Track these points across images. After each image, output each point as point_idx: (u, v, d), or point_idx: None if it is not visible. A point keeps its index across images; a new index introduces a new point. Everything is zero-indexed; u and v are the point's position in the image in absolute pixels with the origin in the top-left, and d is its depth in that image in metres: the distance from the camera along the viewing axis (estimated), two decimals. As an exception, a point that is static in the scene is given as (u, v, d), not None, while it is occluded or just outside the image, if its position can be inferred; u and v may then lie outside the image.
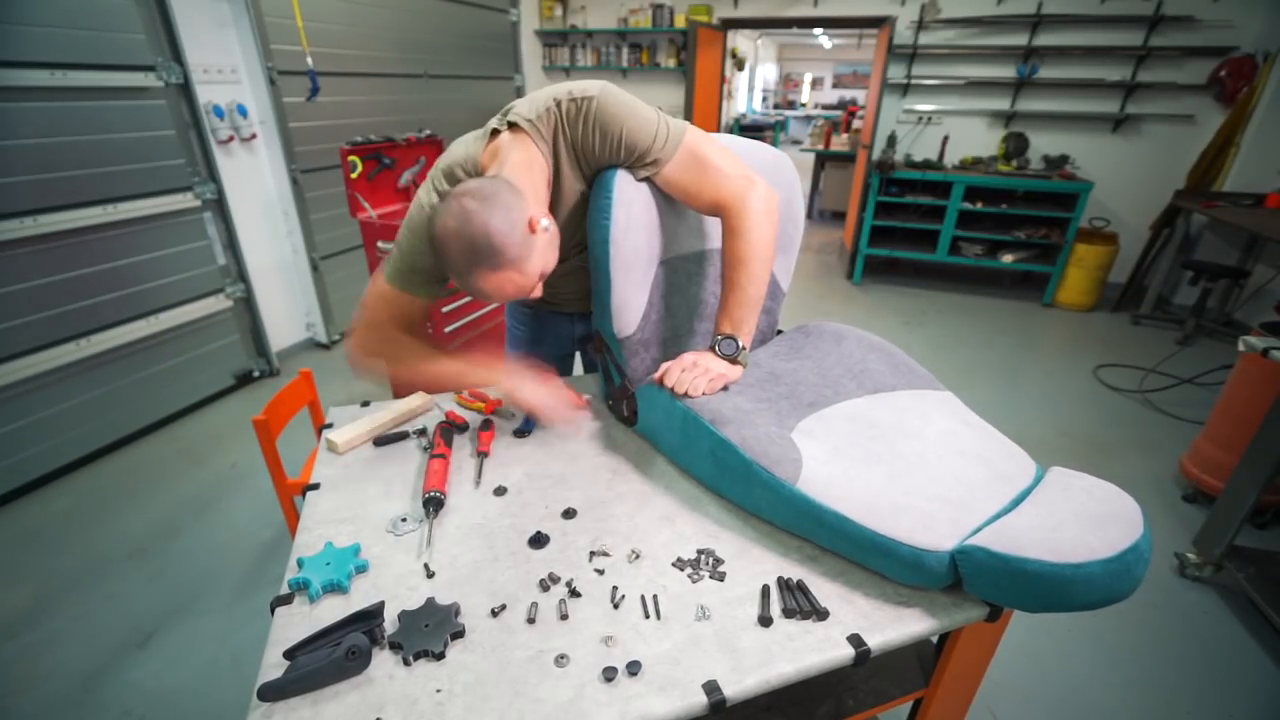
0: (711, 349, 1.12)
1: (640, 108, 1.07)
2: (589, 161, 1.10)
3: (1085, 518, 0.83)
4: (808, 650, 0.78)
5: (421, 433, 1.24)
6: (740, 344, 1.10)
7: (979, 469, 0.99)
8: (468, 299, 2.59)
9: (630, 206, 1.10)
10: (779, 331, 1.48)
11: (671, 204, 1.19)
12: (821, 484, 0.92)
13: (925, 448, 1.03)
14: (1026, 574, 0.76)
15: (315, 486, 1.09)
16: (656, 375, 1.13)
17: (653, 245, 1.18)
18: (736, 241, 1.07)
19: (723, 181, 1.07)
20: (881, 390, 1.19)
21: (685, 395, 1.07)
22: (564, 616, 0.83)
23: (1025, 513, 0.86)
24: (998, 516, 0.89)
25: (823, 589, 0.87)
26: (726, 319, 1.10)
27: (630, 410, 1.24)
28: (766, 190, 1.09)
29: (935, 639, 1.03)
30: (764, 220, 1.07)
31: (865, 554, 0.88)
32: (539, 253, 0.97)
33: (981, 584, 0.81)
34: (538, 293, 1.05)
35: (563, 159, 1.09)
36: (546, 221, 0.98)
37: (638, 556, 0.93)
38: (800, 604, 0.84)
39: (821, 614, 0.83)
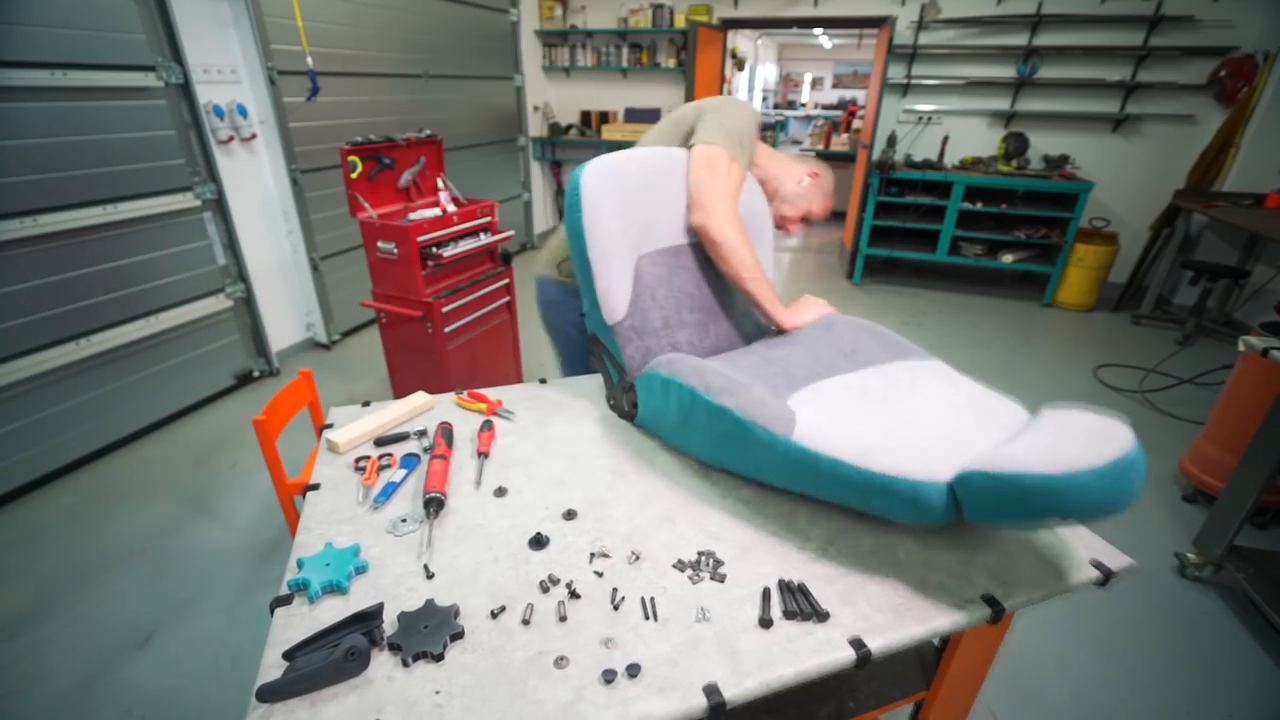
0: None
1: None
2: None
3: (1079, 437, 0.84)
4: (808, 652, 0.78)
5: (422, 433, 1.24)
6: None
7: (973, 417, 1.01)
8: (468, 300, 2.60)
9: (599, 198, 1.21)
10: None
11: (643, 200, 1.28)
12: (818, 435, 0.93)
13: (918, 405, 1.05)
14: (1023, 488, 0.77)
15: (316, 486, 1.09)
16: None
17: (628, 235, 1.26)
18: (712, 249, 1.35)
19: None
20: (873, 364, 1.21)
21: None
22: (563, 618, 0.82)
23: (1021, 440, 0.87)
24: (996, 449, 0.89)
25: (823, 591, 0.87)
26: (768, 310, 1.37)
27: (631, 404, 1.25)
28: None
29: (937, 641, 1.03)
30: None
31: (864, 496, 0.89)
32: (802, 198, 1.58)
33: (981, 507, 0.81)
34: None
35: None
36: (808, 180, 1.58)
37: (637, 558, 0.93)
38: (801, 606, 0.83)
39: (822, 616, 0.83)
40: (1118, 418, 0.88)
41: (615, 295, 1.24)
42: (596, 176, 1.23)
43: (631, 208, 1.27)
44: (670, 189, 1.35)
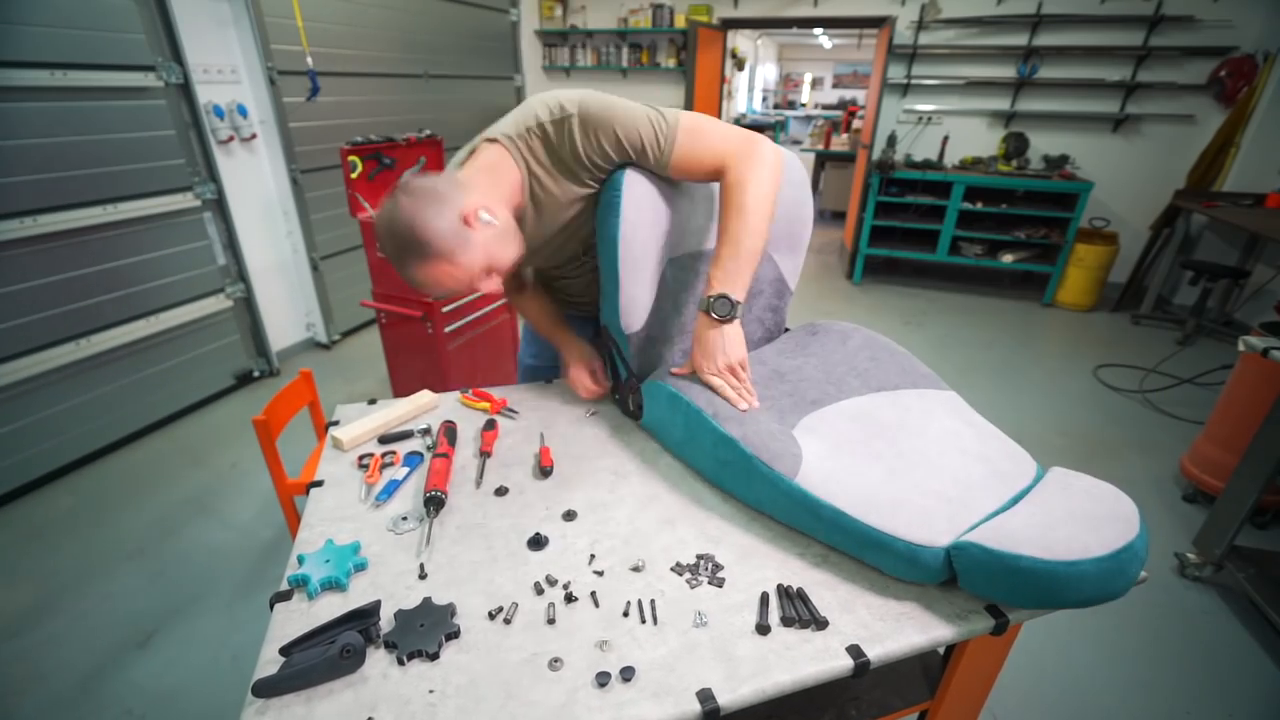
0: (706, 313, 1.05)
1: (625, 107, 1.06)
2: (589, 170, 1.09)
3: (1081, 516, 0.82)
4: (805, 660, 0.77)
5: (426, 431, 1.24)
6: (734, 300, 1.03)
7: (979, 468, 0.99)
8: (468, 300, 2.59)
9: (639, 205, 1.10)
10: (785, 329, 1.49)
11: (680, 203, 1.20)
12: (820, 479, 0.92)
13: (926, 446, 1.03)
14: (1020, 570, 0.76)
15: (319, 483, 1.10)
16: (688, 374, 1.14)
17: (660, 243, 1.18)
18: (733, 191, 1.03)
19: (722, 144, 1.06)
20: (885, 389, 1.19)
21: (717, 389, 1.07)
22: (558, 620, 0.82)
23: (1022, 511, 0.86)
24: (995, 514, 0.89)
25: (823, 598, 0.86)
26: (719, 271, 1.03)
27: (636, 405, 1.24)
28: (772, 147, 1.08)
29: (942, 650, 1.03)
30: (766, 172, 1.03)
31: (861, 548, 0.88)
32: (478, 246, 0.97)
33: (975, 580, 0.81)
34: (491, 286, 1.04)
35: (545, 172, 1.09)
36: (488, 215, 0.98)
37: (637, 560, 0.93)
38: (799, 613, 0.83)
39: (821, 623, 0.82)
40: (1123, 494, 0.87)
41: (639, 306, 1.17)
42: (641, 175, 1.11)
43: (668, 212, 1.18)
44: (710, 187, 1.24)
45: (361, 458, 1.17)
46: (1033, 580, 0.76)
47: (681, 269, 1.25)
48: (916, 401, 1.15)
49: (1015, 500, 0.92)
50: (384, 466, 1.14)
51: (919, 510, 0.87)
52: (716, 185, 1.23)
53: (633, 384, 1.24)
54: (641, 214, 1.11)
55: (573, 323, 1.44)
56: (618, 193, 1.09)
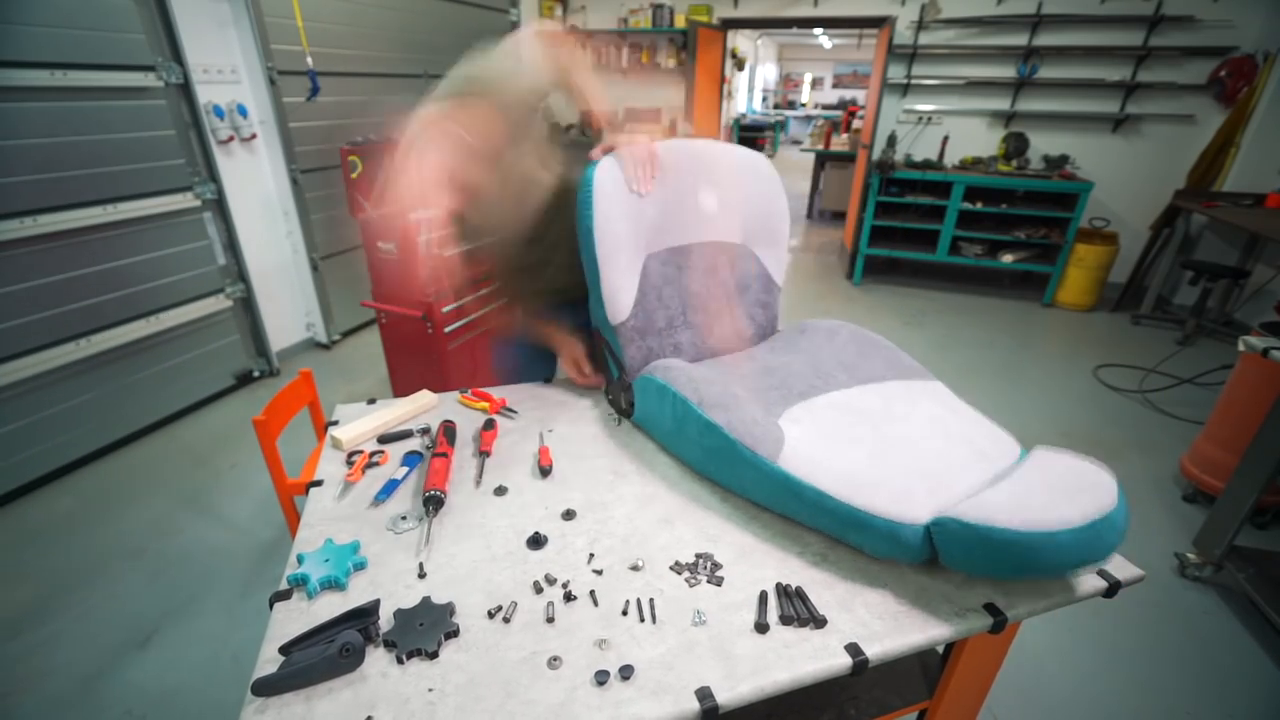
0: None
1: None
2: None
3: (1060, 489, 0.83)
4: (804, 658, 0.77)
5: (425, 431, 1.24)
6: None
7: (962, 449, 1.00)
8: (468, 300, 2.59)
9: (610, 198, 1.18)
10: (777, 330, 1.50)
11: (653, 200, 1.25)
12: (802, 461, 0.93)
13: (910, 430, 1.05)
14: (994, 541, 0.77)
15: (319, 483, 1.10)
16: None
17: (637, 235, 1.24)
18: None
19: None
20: (872, 380, 1.20)
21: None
22: (557, 619, 0.82)
23: (1002, 487, 0.87)
24: (977, 493, 0.89)
25: (822, 596, 0.86)
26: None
27: (628, 402, 1.26)
28: None
29: (941, 648, 1.03)
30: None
31: (843, 528, 0.90)
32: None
33: (955, 554, 0.82)
34: None
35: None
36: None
37: (635, 559, 0.93)
38: (798, 611, 0.83)
39: (819, 622, 0.82)
40: (1105, 468, 0.88)
41: (621, 295, 1.22)
42: (610, 174, 1.20)
43: (645, 206, 1.23)
44: (687, 185, 1.30)
45: (350, 454, 1.17)
46: (1010, 551, 0.77)
47: (662, 263, 1.29)
48: (902, 391, 1.17)
49: (998, 479, 0.93)
50: (369, 466, 1.14)
51: (900, 489, 0.88)
52: (693, 179, 1.29)
53: (624, 381, 1.26)
54: (613, 206, 1.19)
55: (560, 311, 1.47)
56: (589, 188, 1.18)
